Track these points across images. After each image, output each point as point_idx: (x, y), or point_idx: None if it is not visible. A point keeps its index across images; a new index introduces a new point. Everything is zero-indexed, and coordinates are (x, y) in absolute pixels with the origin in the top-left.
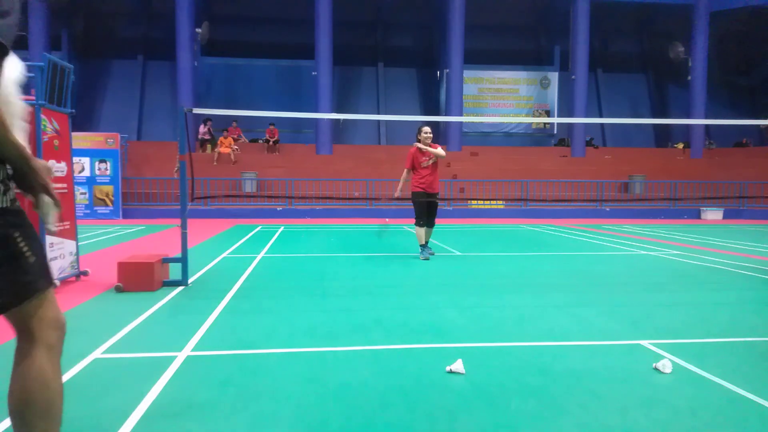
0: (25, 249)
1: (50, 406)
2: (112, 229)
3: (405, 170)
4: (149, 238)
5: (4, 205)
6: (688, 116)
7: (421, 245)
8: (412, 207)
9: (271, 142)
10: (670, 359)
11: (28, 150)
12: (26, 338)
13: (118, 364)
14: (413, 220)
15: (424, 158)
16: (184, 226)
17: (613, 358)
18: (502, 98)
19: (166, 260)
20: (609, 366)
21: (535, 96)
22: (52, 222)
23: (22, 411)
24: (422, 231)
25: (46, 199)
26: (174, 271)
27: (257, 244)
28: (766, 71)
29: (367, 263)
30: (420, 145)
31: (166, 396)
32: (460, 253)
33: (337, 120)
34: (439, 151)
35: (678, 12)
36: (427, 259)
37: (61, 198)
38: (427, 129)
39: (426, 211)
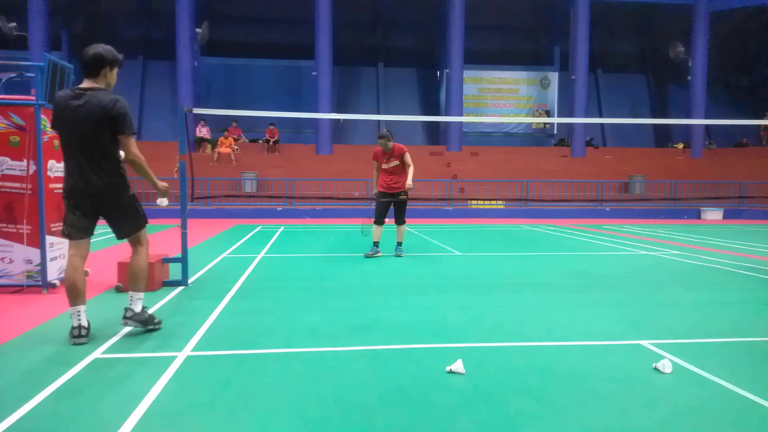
0: (139, 206)
1: (145, 273)
2: None
3: (375, 166)
4: (149, 238)
5: (132, 192)
6: (688, 116)
7: (374, 242)
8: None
9: (271, 142)
10: (670, 359)
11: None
12: (138, 244)
13: (118, 364)
14: (411, 220)
15: (385, 160)
16: (184, 226)
17: (613, 358)
18: (502, 98)
19: (166, 260)
20: (609, 366)
21: (535, 96)
22: (161, 201)
23: (136, 274)
24: (379, 230)
25: (160, 189)
26: (174, 271)
27: (257, 244)
28: (766, 71)
29: (367, 263)
30: (409, 183)
31: (166, 396)
32: (460, 253)
33: (337, 120)
34: (410, 182)
35: (678, 12)
36: (371, 255)
37: (61, 198)
38: (381, 141)
39: (386, 210)
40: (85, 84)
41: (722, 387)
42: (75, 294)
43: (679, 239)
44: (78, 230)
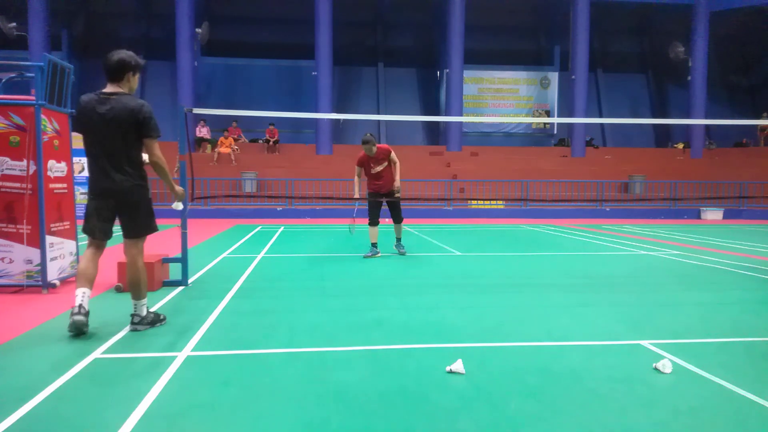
0: (152, 212)
1: (145, 281)
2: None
3: (356, 171)
4: (149, 238)
5: (150, 196)
6: (688, 116)
7: (372, 243)
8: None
9: (271, 142)
10: (670, 359)
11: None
12: (135, 249)
13: (118, 364)
14: (411, 220)
15: (373, 165)
16: (184, 226)
17: (613, 358)
18: (502, 98)
19: (166, 260)
20: (609, 366)
21: (535, 96)
22: (176, 205)
23: (137, 283)
24: (374, 230)
25: (178, 193)
26: (174, 271)
27: (257, 244)
28: (766, 71)
29: (367, 263)
30: (397, 183)
31: (166, 396)
32: (460, 253)
33: (337, 120)
34: (398, 182)
35: (678, 12)
36: (370, 257)
37: (61, 198)
38: (365, 146)
39: (379, 210)
40: (109, 89)
41: (722, 387)
42: (85, 278)
43: (679, 239)
44: (98, 231)
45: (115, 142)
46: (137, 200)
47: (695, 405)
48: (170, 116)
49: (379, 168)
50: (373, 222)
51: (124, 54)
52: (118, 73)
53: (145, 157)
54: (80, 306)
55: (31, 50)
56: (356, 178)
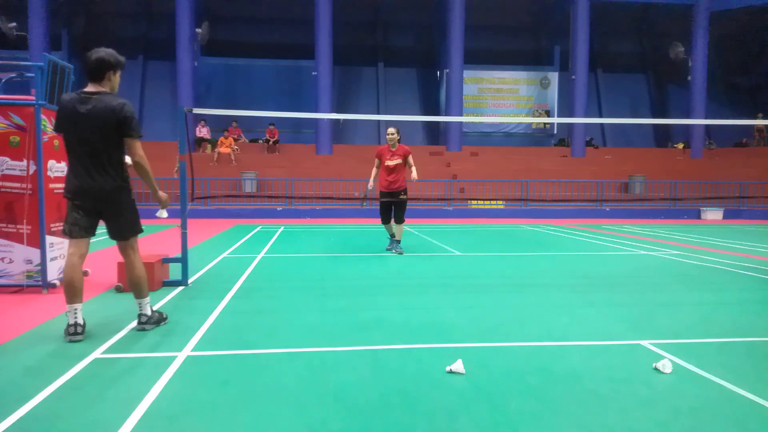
0: (136, 212)
1: (145, 279)
2: None
3: (375, 163)
4: (149, 238)
5: (133, 197)
6: (688, 116)
7: (390, 235)
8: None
9: (271, 142)
10: (670, 359)
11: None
12: (130, 250)
13: (118, 364)
14: (412, 220)
15: (389, 156)
16: (184, 226)
17: (613, 358)
18: (502, 98)
19: (166, 260)
20: (609, 366)
21: (535, 96)
22: (160, 213)
23: (137, 282)
24: (389, 226)
25: (161, 198)
26: (174, 271)
27: (257, 244)
28: (766, 71)
29: (367, 263)
30: (413, 175)
31: (166, 396)
32: (460, 253)
33: (337, 120)
34: (415, 174)
35: (678, 12)
36: (390, 250)
37: (61, 198)
38: (391, 130)
39: (388, 209)
40: (90, 88)
41: (722, 387)
42: (72, 292)
43: (679, 239)
44: (80, 229)
45: (96, 141)
46: (119, 201)
47: (695, 405)
48: (170, 116)
49: (393, 162)
50: (385, 220)
51: (103, 53)
52: (98, 72)
53: (128, 158)
54: (76, 324)
55: (31, 50)
56: (375, 170)
